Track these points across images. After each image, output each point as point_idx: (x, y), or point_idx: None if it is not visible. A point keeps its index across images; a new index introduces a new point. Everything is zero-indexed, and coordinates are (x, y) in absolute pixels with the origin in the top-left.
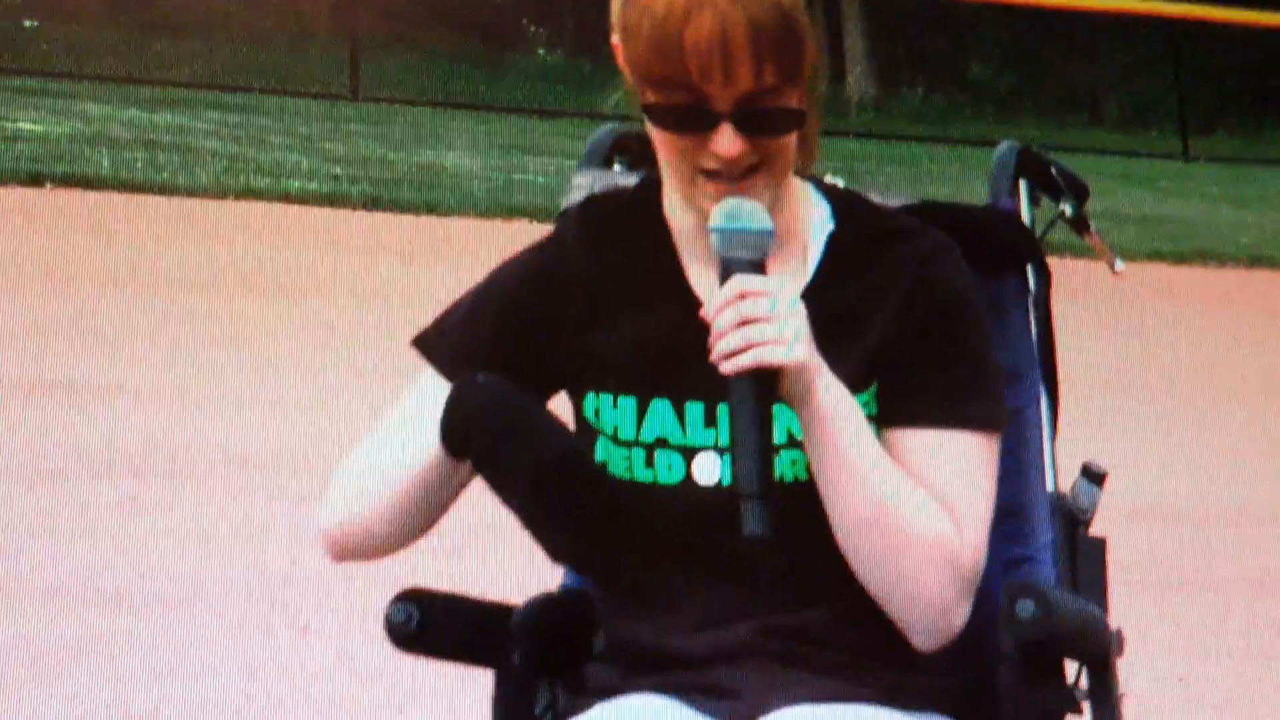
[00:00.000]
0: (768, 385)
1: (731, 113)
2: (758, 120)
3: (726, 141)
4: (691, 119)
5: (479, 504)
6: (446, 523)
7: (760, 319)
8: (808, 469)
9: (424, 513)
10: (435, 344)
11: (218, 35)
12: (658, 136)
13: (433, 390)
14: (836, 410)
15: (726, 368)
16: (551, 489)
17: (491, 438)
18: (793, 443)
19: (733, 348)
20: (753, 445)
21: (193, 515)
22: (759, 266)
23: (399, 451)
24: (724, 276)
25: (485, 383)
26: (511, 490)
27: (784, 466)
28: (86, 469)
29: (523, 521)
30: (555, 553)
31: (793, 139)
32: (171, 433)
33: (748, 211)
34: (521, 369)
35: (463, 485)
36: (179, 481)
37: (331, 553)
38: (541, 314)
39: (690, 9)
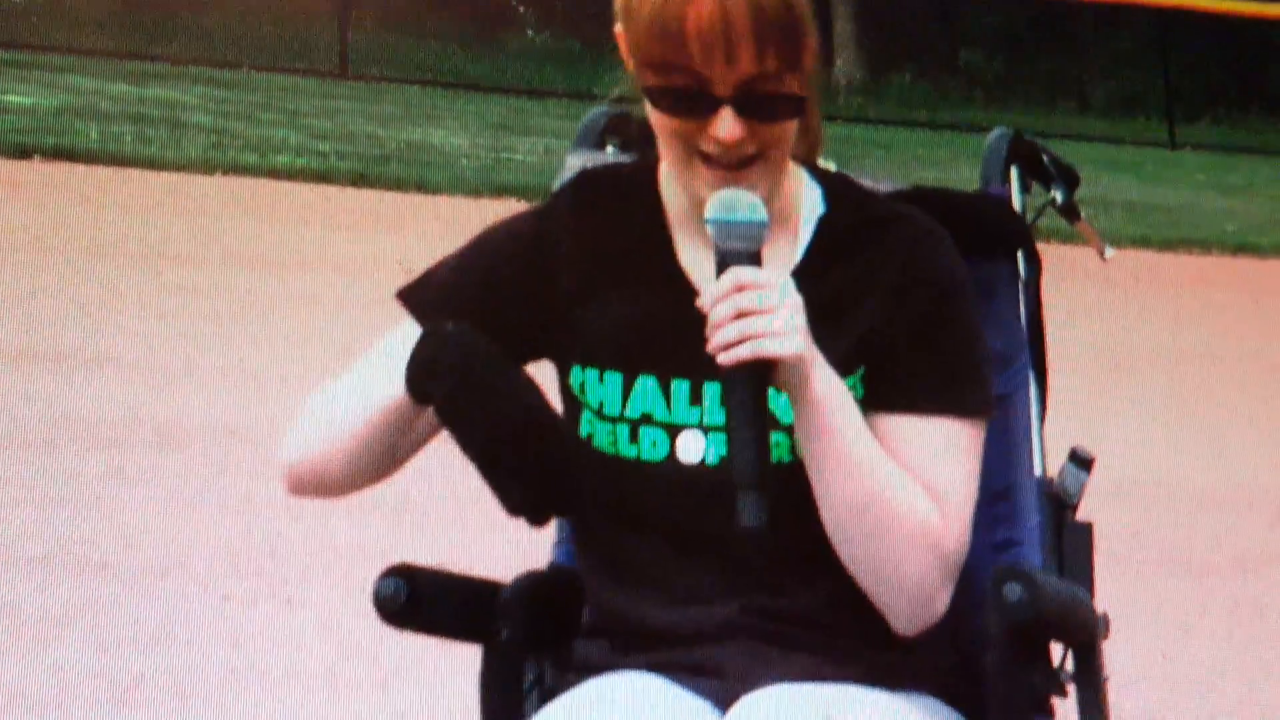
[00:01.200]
0: (764, 376)
1: (732, 97)
2: (758, 105)
3: (726, 125)
4: (692, 102)
5: (467, 480)
6: (435, 499)
7: (757, 311)
8: (792, 451)
9: (381, 456)
10: (418, 296)
11: (208, 10)
12: (657, 120)
13: (408, 339)
14: (830, 399)
15: (724, 359)
16: (509, 441)
17: (454, 386)
18: (779, 426)
19: (730, 340)
20: (750, 437)
21: (178, 486)
22: (755, 258)
23: (363, 393)
24: (720, 268)
25: (453, 331)
26: (470, 440)
27: (771, 449)
28: (72, 439)
29: (479, 471)
30: (509, 505)
31: (791, 128)
32: (157, 404)
33: (743, 203)
34: (504, 330)
35: (425, 436)
36: (165, 452)
37: (288, 484)
38: (531, 279)
39: None
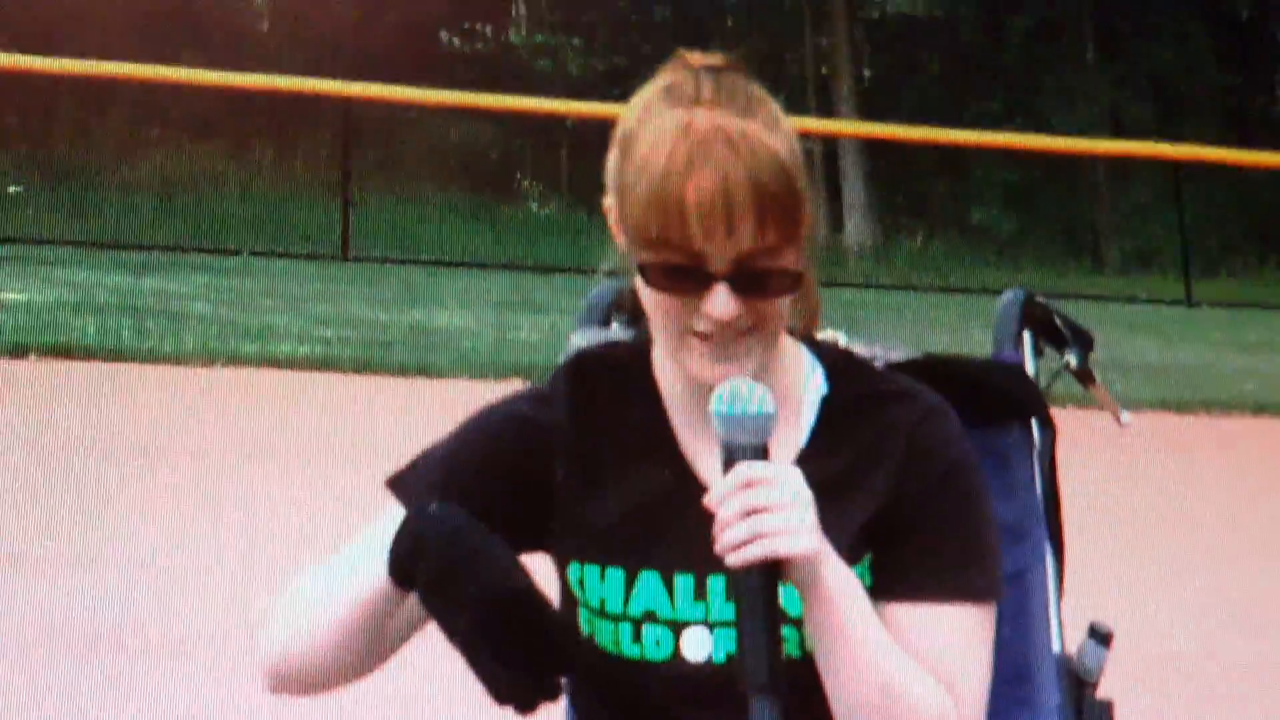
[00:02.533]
0: (774, 574)
1: (727, 274)
2: (754, 282)
3: (721, 303)
4: (686, 279)
5: (453, 670)
6: (421, 691)
7: (767, 508)
8: (801, 646)
9: (368, 645)
10: (407, 482)
11: (206, 196)
12: (649, 297)
13: (394, 525)
14: (843, 592)
15: (733, 560)
16: (496, 625)
17: (438, 568)
18: (788, 619)
19: (740, 539)
20: (761, 638)
21: (178, 696)
22: (762, 451)
23: (346, 581)
24: (727, 463)
25: (437, 511)
26: (454, 625)
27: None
28: (65, 646)
29: (466, 659)
30: (497, 693)
31: (783, 309)
32: (156, 607)
33: (750, 394)
34: (498, 521)
35: (414, 625)
36: (163, 659)
37: (270, 682)
38: (527, 467)
39: (693, 164)
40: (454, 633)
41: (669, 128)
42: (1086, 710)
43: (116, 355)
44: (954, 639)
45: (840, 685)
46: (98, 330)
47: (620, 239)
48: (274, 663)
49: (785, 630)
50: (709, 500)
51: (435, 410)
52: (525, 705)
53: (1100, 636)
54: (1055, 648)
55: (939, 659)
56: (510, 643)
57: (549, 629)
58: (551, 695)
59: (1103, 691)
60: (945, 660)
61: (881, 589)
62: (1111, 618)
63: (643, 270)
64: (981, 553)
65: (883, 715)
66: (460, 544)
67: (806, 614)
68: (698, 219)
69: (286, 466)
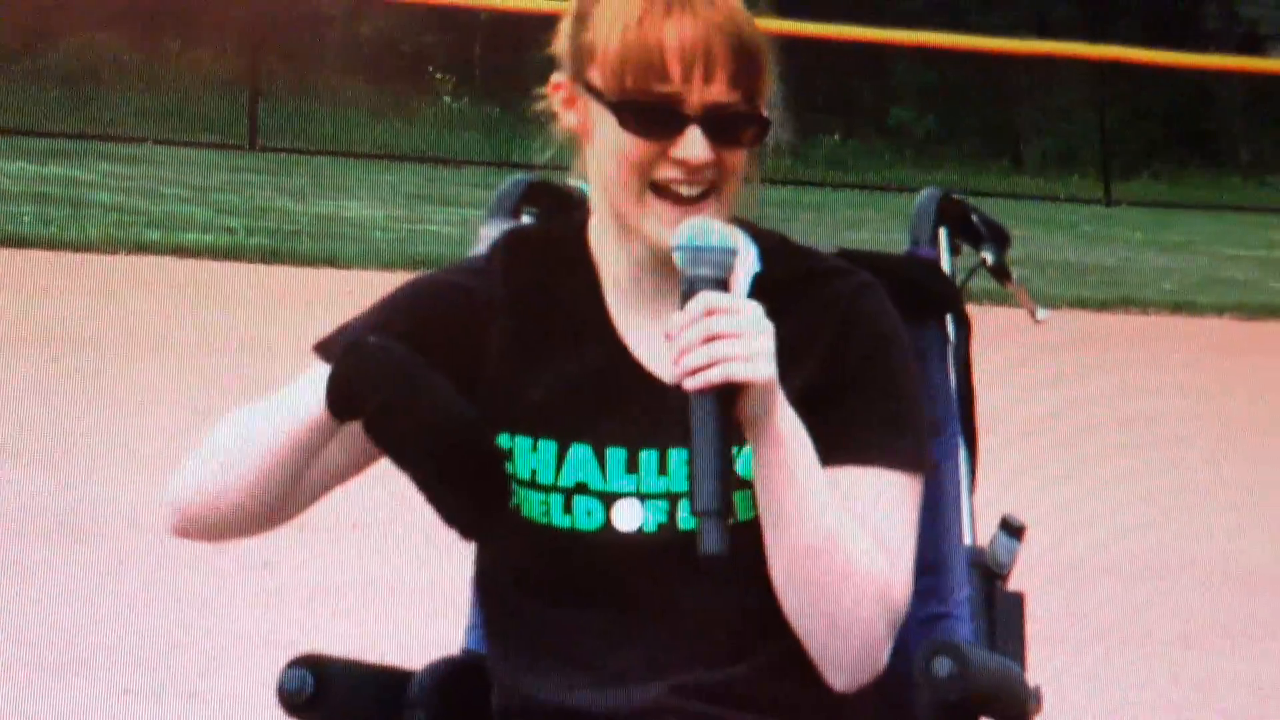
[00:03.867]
0: (728, 402)
1: (701, 117)
2: (726, 125)
3: (695, 145)
4: (662, 119)
5: (377, 566)
6: (344, 585)
7: (729, 334)
8: (752, 509)
9: (284, 488)
10: (335, 345)
11: (111, 84)
12: (614, 148)
13: (318, 382)
14: (792, 434)
15: (691, 384)
16: (446, 450)
17: (385, 396)
18: (740, 484)
19: (699, 363)
20: (713, 462)
21: (78, 579)
22: (723, 285)
23: (268, 419)
24: (686, 295)
25: (377, 343)
26: (404, 450)
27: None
28: None
29: (416, 482)
30: (447, 515)
31: (743, 164)
32: (56, 494)
33: (712, 229)
34: None
35: (331, 474)
36: (63, 544)
37: (174, 522)
38: (459, 338)
39: (671, 10)
40: (403, 457)
41: None
42: (998, 602)
43: (19, 242)
44: (886, 504)
45: (785, 530)
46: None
47: (568, 117)
48: (184, 502)
49: (736, 496)
50: (668, 326)
51: (343, 301)
52: (473, 528)
53: (1012, 530)
54: (967, 540)
55: (872, 521)
56: (458, 467)
57: (492, 455)
58: (495, 522)
59: (1015, 585)
60: (878, 523)
61: (818, 454)
62: (1027, 515)
63: (618, 109)
64: (912, 424)
65: (823, 562)
66: (404, 372)
67: (755, 455)
68: (677, 61)
69: (187, 356)
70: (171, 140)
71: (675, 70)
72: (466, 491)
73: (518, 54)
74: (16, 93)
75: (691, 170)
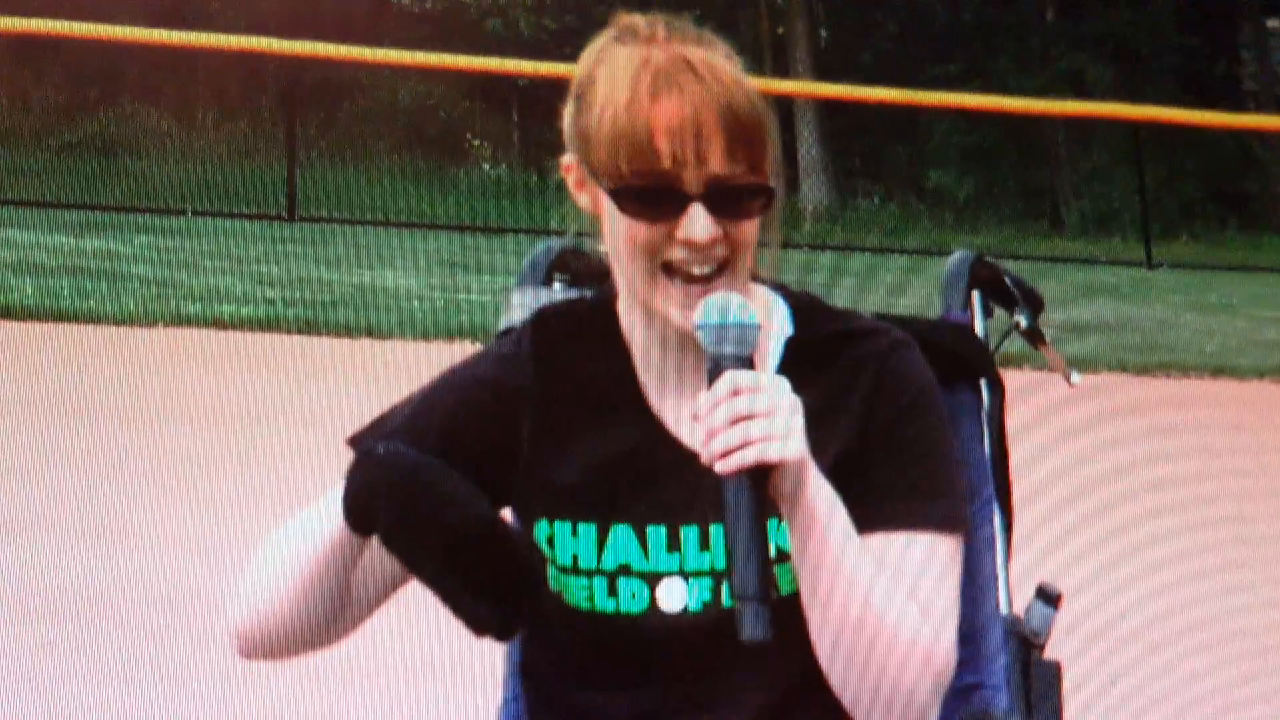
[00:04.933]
0: (762, 483)
1: (702, 194)
2: (728, 198)
3: (698, 224)
4: (661, 201)
5: (415, 644)
6: (383, 664)
7: (757, 414)
8: (792, 582)
9: (330, 604)
10: (368, 440)
11: (149, 154)
12: (621, 234)
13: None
14: (826, 505)
15: (722, 467)
16: (463, 554)
17: (396, 508)
18: (779, 557)
19: (729, 445)
20: (750, 546)
21: (113, 659)
22: (748, 362)
23: (305, 537)
24: (712, 375)
25: (387, 452)
26: (422, 563)
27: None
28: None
29: (438, 595)
30: (472, 622)
31: (755, 235)
32: (92, 569)
33: (733, 306)
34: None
35: (388, 583)
36: (99, 623)
37: (238, 646)
38: (493, 427)
39: (657, 91)
40: (422, 570)
41: (628, 63)
42: (1034, 671)
43: (57, 316)
44: (927, 567)
45: (823, 604)
46: (37, 291)
47: (581, 198)
48: (241, 625)
49: (777, 569)
50: (695, 409)
51: (381, 371)
52: (503, 633)
53: (1048, 597)
54: (1003, 609)
55: (914, 586)
56: (480, 572)
57: (515, 552)
58: (529, 616)
59: (1052, 653)
60: (920, 588)
61: (854, 522)
62: (1061, 581)
63: (616, 196)
64: (949, 483)
65: (866, 633)
66: (415, 480)
67: (790, 530)
68: (667, 143)
69: (227, 428)
70: (210, 211)
71: (667, 150)
72: (492, 593)
73: (555, 120)
74: (53, 165)
75: (699, 249)
